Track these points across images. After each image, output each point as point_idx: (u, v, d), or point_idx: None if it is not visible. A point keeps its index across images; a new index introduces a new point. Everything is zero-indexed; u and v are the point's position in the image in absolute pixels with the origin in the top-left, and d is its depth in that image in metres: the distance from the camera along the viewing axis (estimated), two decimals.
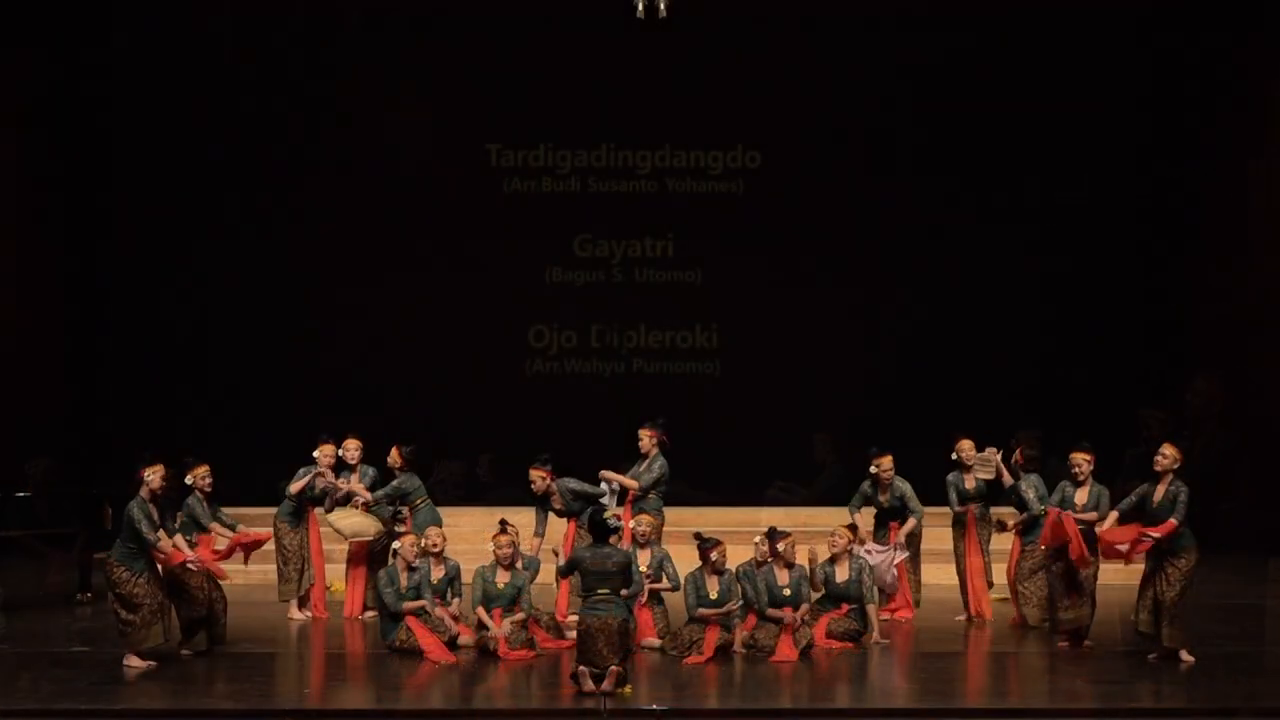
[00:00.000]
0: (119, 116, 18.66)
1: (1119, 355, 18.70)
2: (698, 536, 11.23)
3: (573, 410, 18.10)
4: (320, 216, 18.46)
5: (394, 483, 12.64)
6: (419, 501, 12.60)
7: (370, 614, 12.37)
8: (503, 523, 11.40)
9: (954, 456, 12.58)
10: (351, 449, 12.79)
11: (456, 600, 11.32)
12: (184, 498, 11.20)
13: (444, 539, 11.45)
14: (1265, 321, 17.08)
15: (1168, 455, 10.61)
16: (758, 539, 11.26)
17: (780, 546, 11.13)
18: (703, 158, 18.88)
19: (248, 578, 13.66)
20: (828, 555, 11.50)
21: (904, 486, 12.50)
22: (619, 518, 11.99)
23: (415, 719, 9.18)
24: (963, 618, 12.47)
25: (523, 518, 12.28)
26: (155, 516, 10.47)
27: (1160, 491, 10.57)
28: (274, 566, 12.81)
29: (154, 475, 10.50)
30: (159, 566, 10.57)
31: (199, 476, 10.99)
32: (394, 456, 12.74)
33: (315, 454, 12.60)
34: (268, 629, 12.08)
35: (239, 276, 18.42)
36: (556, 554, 11.99)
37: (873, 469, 12.48)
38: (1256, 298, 17.26)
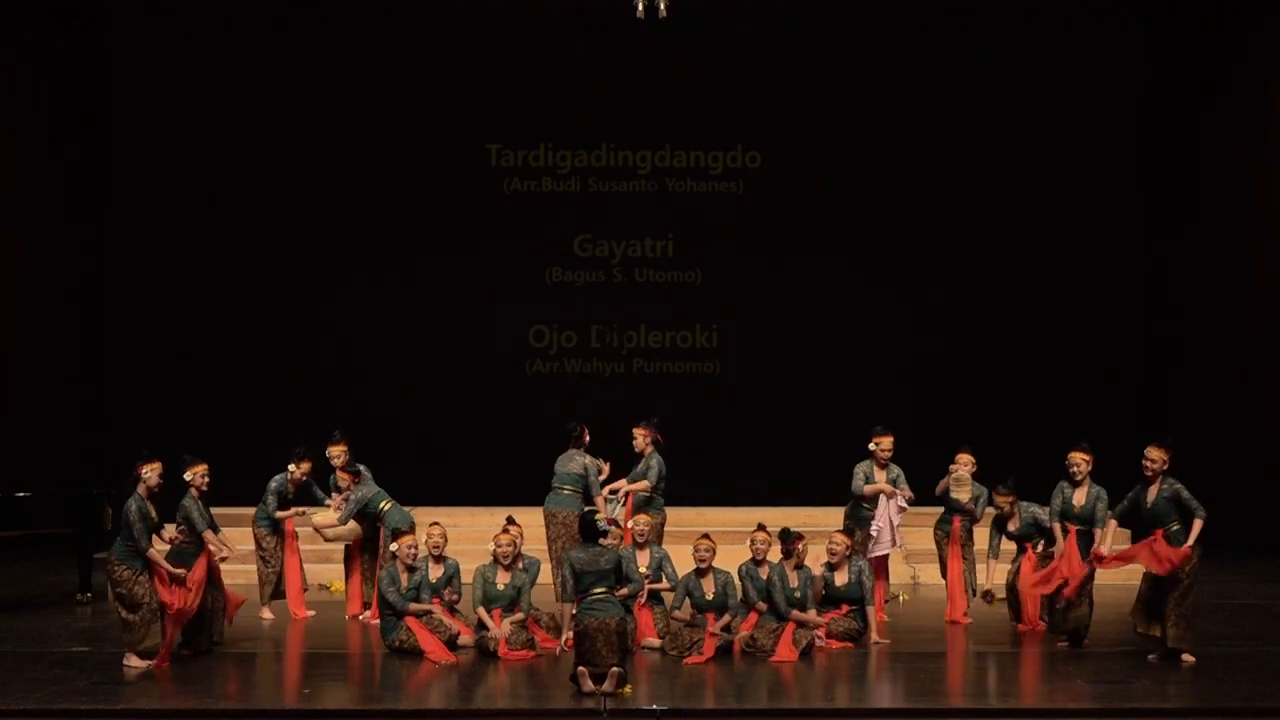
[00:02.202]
0: (117, 119, 18.68)
1: (1120, 355, 18.72)
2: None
3: (573, 410, 18.02)
4: (320, 217, 18.49)
5: (353, 497, 12.52)
6: (384, 505, 12.52)
7: (371, 617, 12.32)
8: (510, 520, 11.43)
9: (951, 467, 12.52)
10: (336, 454, 12.73)
11: (455, 596, 11.31)
12: (179, 495, 11.12)
13: (445, 538, 11.45)
14: (1266, 321, 17.08)
15: (1155, 459, 10.54)
16: (750, 540, 11.26)
17: (799, 547, 11.15)
18: (703, 158, 18.89)
19: (248, 578, 13.67)
20: (825, 560, 11.53)
21: (898, 469, 12.46)
22: (611, 522, 11.98)
23: (415, 719, 9.17)
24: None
25: (530, 517, 12.30)
26: (153, 514, 10.46)
27: (1152, 494, 10.53)
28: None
29: (151, 473, 10.48)
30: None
31: (197, 474, 10.94)
32: (341, 474, 12.68)
33: (291, 467, 12.55)
34: (267, 629, 12.08)
35: (238, 277, 18.45)
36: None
37: (871, 446, 12.41)
38: (1257, 297, 17.26)
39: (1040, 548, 11.85)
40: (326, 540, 12.77)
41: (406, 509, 12.60)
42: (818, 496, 15.21)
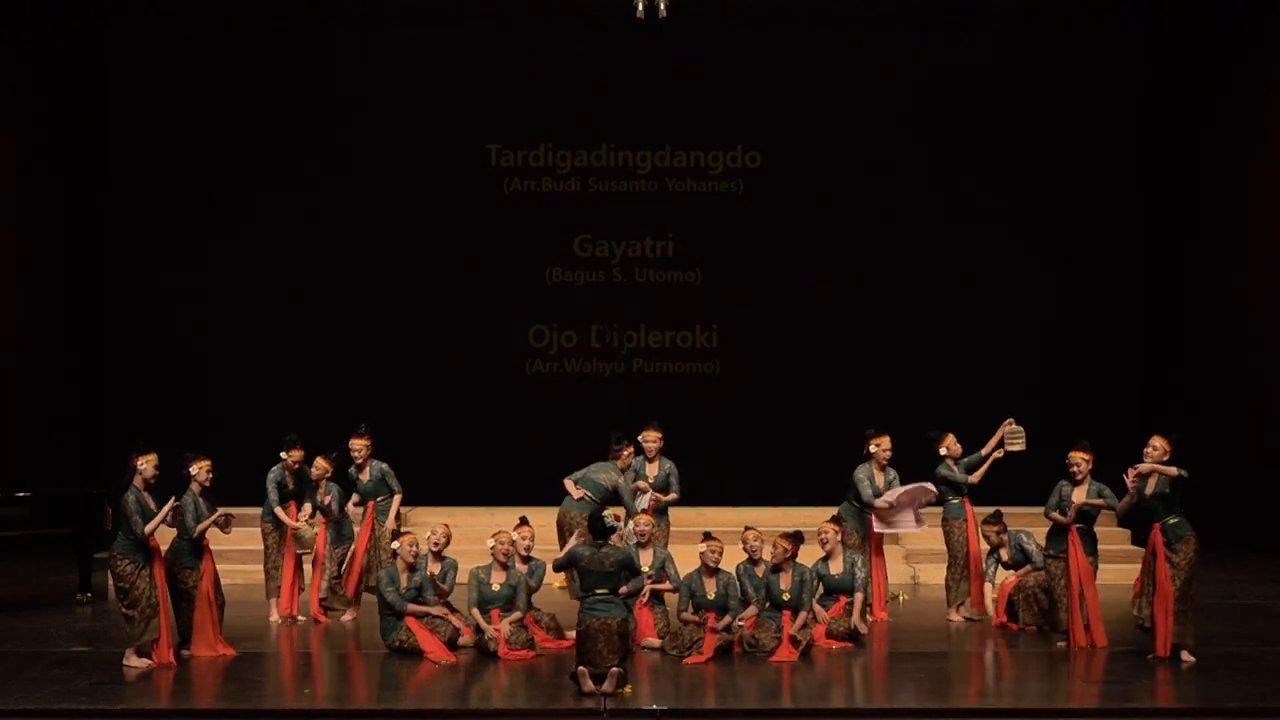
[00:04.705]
0: (117, 118, 18.68)
1: (1120, 354, 18.72)
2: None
3: (573, 410, 18.11)
4: (320, 216, 18.50)
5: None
6: (352, 502, 12.81)
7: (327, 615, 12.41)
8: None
9: (941, 451, 12.53)
10: (358, 448, 12.80)
11: (446, 589, 11.29)
12: (178, 490, 11.07)
13: (448, 537, 11.45)
14: (1266, 321, 17.09)
15: (1157, 447, 10.57)
16: (740, 540, 11.28)
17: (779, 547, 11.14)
18: (703, 158, 18.89)
19: (246, 578, 13.68)
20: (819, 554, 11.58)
21: (893, 471, 12.47)
22: (619, 518, 12.02)
23: (415, 719, 9.17)
24: (960, 618, 12.38)
25: (545, 518, 12.29)
26: (151, 506, 10.45)
27: (1152, 484, 10.54)
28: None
29: (147, 464, 10.48)
30: (160, 564, 10.55)
31: (202, 469, 10.92)
32: (324, 465, 12.70)
33: (283, 454, 12.58)
34: (265, 629, 12.08)
35: (238, 276, 18.45)
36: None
37: (872, 449, 12.40)
38: (1257, 297, 17.27)
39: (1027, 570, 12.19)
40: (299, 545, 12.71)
41: (402, 508, 12.67)
42: (817, 496, 15.20)
